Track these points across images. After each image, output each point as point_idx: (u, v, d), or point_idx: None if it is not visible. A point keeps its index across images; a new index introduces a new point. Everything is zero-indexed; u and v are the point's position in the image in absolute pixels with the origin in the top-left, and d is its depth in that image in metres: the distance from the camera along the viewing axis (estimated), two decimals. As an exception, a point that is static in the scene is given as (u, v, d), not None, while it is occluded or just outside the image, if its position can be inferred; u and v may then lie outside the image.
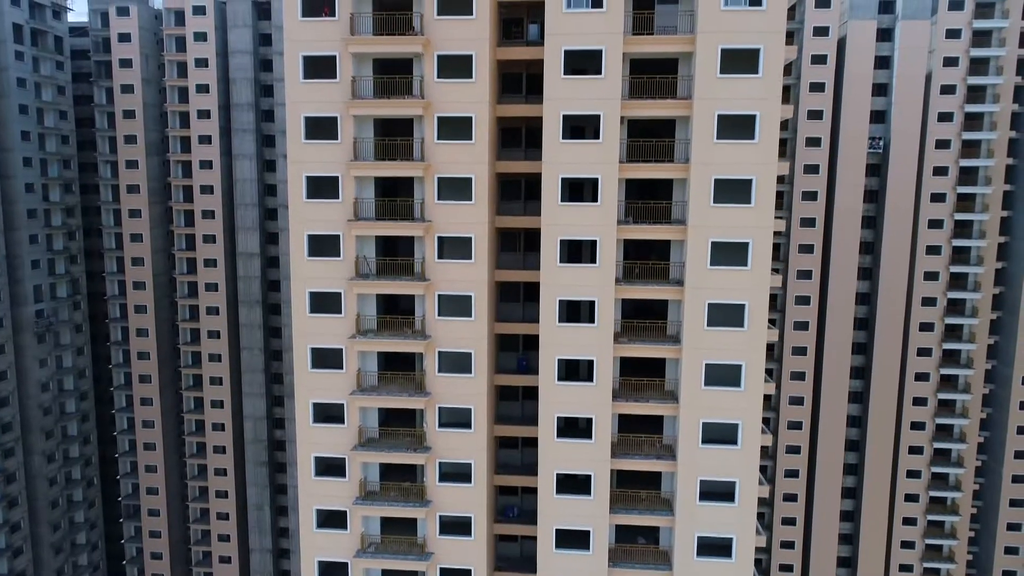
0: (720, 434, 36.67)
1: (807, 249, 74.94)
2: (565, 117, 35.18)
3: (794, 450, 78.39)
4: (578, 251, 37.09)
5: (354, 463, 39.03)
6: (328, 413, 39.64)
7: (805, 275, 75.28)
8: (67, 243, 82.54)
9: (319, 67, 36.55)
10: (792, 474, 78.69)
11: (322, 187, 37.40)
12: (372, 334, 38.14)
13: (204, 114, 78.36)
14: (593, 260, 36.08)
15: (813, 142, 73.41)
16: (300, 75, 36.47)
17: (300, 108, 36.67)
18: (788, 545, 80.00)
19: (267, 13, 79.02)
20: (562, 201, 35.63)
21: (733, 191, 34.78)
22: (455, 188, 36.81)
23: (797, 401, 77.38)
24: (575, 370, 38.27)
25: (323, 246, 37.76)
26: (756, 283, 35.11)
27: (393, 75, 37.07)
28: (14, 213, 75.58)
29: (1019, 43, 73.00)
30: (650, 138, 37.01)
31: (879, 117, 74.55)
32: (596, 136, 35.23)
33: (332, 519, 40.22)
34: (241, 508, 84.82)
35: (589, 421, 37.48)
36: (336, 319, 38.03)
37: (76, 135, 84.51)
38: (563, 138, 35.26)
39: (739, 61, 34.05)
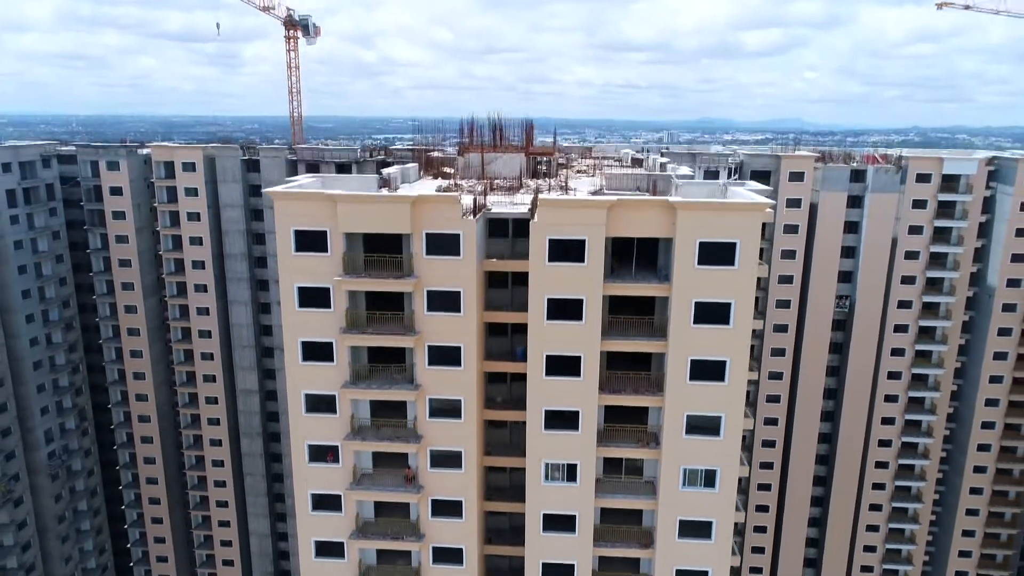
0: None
1: (774, 399, 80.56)
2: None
3: (772, 422, 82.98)
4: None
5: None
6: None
7: (772, 422, 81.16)
8: (72, 378, 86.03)
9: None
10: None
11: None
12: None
13: (199, 264, 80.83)
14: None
15: (783, 304, 77.66)
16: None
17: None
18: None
19: (256, 165, 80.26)
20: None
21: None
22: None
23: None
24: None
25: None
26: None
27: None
28: (21, 370, 78.93)
29: (981, 209, 76.46)
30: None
31: (846, 277, 78.45)
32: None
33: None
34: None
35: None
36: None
37: (70, 256, 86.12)
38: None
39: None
